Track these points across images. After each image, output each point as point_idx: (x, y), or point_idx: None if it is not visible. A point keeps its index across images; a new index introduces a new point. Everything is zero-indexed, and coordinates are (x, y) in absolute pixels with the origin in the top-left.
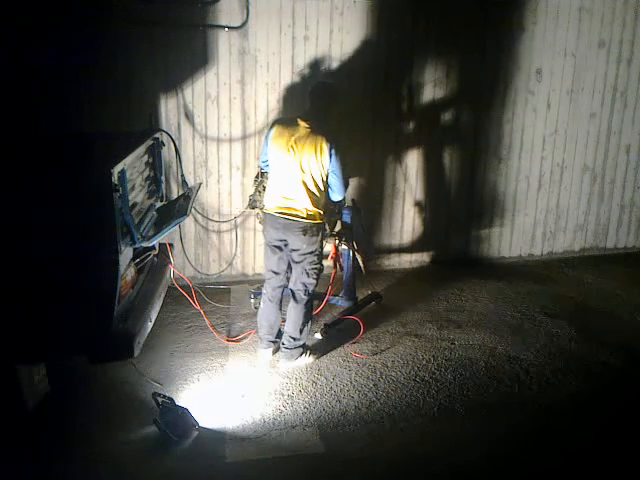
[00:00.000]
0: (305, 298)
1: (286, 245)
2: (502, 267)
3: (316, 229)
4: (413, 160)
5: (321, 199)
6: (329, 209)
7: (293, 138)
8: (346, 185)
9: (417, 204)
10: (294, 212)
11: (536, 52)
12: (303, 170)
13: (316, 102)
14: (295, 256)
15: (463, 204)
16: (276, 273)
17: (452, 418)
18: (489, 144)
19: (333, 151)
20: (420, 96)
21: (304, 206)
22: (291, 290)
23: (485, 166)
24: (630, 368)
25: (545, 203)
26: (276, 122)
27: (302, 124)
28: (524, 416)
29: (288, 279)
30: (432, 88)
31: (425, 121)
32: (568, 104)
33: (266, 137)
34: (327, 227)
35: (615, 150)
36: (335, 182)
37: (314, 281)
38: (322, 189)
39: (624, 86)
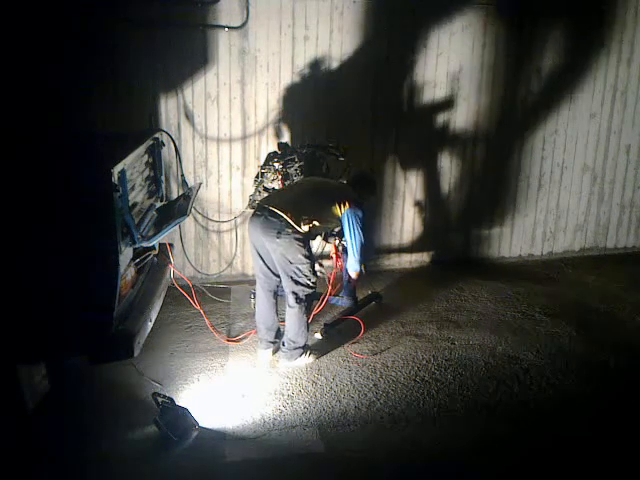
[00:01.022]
0: (297, 305)
1: (265, 249)
2: (502, 267)
3: (293, 235)
4: (413, 160)
5: (319, 224)
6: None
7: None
8: (360, 249)
9: (417, 204)
10: (277, 211)
11: (536, 52)
12: (319, 193)
13: (357, 188)
14: (277, 263)
15: (463, 204)
16: (258, 277)
17: (452, 418)
18: (489, 144)
19: (353, 208)
20: (420, 96)
21: (294, 212)
22: (286, 295)
23: (485, 166)
24: (630, 368)
25: (545, 203)
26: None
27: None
28: (524, 416)
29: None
30: (432, 88)
31: (425, 121)
32: (568, 104)
33: None
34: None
35: (615, 150)
36: (349, 239)
37: (304, 288)
38: (324, 218)
39: (624, 86)
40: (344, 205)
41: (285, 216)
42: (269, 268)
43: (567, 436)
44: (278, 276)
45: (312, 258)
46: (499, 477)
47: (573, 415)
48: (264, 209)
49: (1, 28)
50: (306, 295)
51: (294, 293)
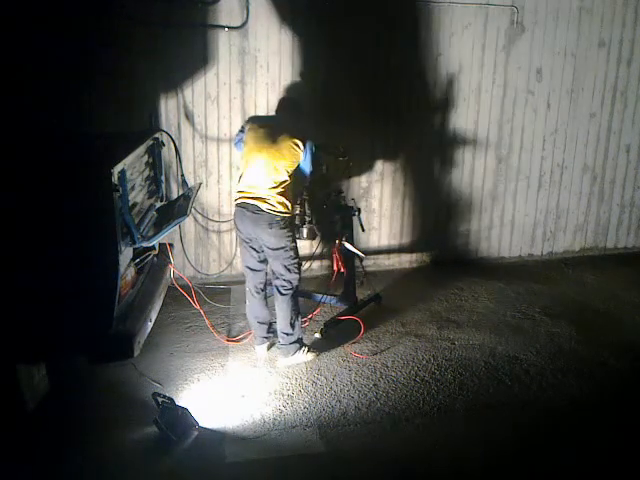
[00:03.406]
0: (289, 292)
1: (257, 241)
2: (502, 267)
3: (282, 222)
4: (413, 160)
5: (290, 189)
6: (294, 200)
7: (268, 131)
8: (314, 167)
9: (417, 204)
10: (260, 203)
11: (536, 52)
12: (276, 160)
13: (286, 111)
14: (268, 252)
15: (463, 204)
16: (252, 270)
17: (452, 418)
18: (489, 144)
19: (307, 146)
20: (421, 97)
21: (271, 196)
22: (275, 286)
23: (485, 166)
24: (630, 368)
25: (545, 203)
26: (252, 117)
27: (277, 119)
28: (524, 416)
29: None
30: (432, 88)
31: (425, 121)
32: (568, 104)
33: (242, 130)
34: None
35: (615, 150)
36: (305, 169)
37: (296, 275)
38: (289, 179)
39: (624, 86)
40: (296, 150)
41: (270, 207)
42: (259, 260)
43: (567, 436)
44: (266, 269)
45: (296, 241)
46: (499, 477)
47: (573, 415)
48: (248, 205)
49: (1, 26)
50: (295, 285)
51: (287, 281)
